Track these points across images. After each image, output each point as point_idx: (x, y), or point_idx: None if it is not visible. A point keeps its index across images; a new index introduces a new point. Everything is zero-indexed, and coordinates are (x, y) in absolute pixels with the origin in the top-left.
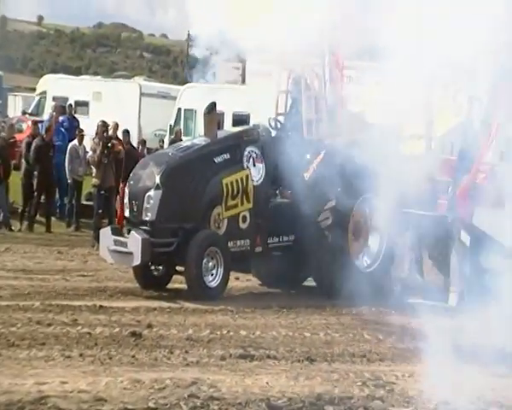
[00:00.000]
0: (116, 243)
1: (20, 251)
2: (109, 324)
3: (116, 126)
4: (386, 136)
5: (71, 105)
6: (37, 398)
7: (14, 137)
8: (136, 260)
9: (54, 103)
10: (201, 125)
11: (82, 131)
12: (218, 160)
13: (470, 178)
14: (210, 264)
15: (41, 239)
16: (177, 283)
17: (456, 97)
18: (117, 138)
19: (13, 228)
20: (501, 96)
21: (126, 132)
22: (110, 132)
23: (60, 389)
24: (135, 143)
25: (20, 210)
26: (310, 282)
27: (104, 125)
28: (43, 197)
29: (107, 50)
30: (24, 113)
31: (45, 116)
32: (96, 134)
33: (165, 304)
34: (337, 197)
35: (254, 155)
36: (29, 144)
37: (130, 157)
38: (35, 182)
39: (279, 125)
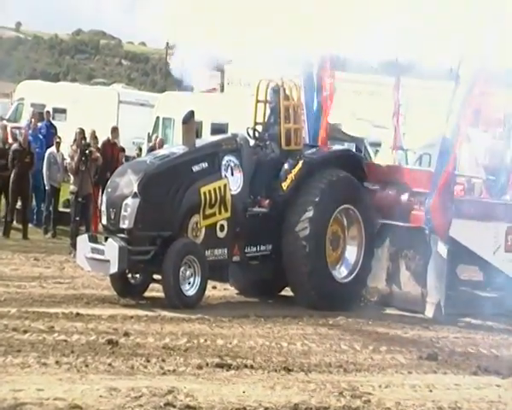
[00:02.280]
0: (93, 250)
1: None
2: (86, 331)
3: (94, 134)
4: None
5: (48, 112)
6: (12, 405)
7: None
8: (113, 268)
9: (32, 110)
10: (180, 134)
11: (59, 137)
12: (196, 168)
13: (440, 187)
14: (187, 272)
15: (17, 246)
16: (155, 291)
17: (434, 111)
18: (95, 146)
19: None
20: (468, 109)
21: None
22: (88, 140)
23: (35, 396)
24: None
25: None
26: (287, 291)
27: (82, 132)
28: (19, 204)
29: (86, 57)
30: (1, 119)
31: (23, 122)
32: (74, 141)
33: (142, 312)
34: (315, 207)
35: (232, 165)
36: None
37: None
38: (10, 188)
39: (257, 135)
